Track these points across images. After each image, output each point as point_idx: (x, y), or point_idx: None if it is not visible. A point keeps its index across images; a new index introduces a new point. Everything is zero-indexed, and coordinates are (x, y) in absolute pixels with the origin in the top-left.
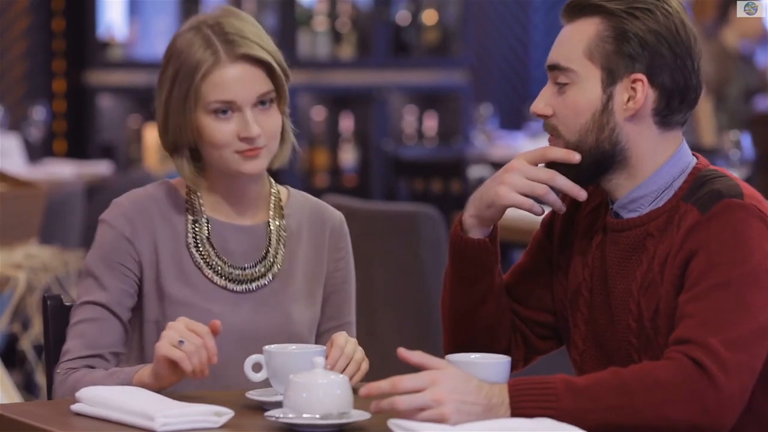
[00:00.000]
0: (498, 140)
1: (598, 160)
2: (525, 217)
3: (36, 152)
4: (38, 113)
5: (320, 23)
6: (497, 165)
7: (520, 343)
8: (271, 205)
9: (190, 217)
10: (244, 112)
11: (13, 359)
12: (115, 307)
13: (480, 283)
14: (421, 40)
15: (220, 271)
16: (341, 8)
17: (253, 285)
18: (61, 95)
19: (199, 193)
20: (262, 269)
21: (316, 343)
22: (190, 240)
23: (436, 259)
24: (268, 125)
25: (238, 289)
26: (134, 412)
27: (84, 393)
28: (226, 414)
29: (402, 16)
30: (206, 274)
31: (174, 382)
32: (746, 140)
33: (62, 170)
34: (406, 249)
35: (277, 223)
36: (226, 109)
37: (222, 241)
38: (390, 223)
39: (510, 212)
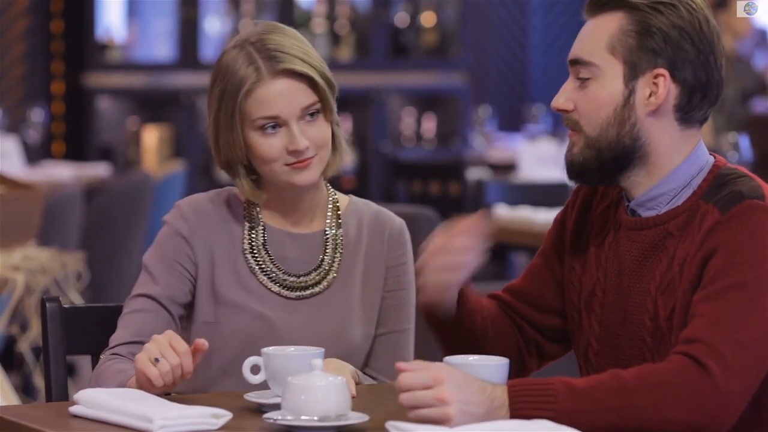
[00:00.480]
0: (496, 142)
1: (618, 156)
2: (524, 218)
3: (34, 154)
4: (37, 115)
5: (319, 25)
6: (495, 167)
7: (534, 352)
8: (329, 213)
9: (247, 224)
10: (291, 125)
11: (11, 361)
12: (165, 300)
13: (467, 338)
14: (420, 41)
15: (274, 278)
16: (340, 10)
17: (307, 292)
18: (60, 97)
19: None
20: (317, 277)
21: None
22: (246, 246)
23: None
24: (315, 136)
25: (292, 296)
26: (132, 414)
27: (82, 395)
28: (225, 416)
29: (400, 17)
30: (260, 279)
31: (154, 393)
32: (744, 142)
33: (61, 172)
34: None
35: (334, 231)
36: (273, 124)
37: (278, 248)
38: None
39: (508, 214)
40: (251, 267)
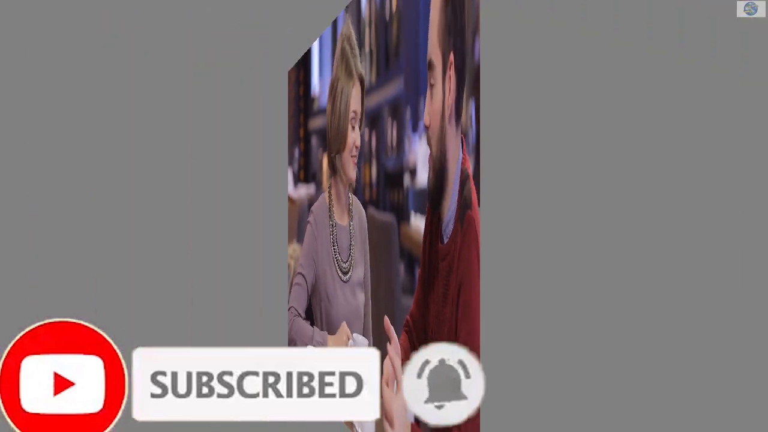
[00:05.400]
0: None
1: None
2: None
3: None
4: None
5: None
6: None
7: None
8: (349, 208)
9: (329, 222)
10: (357, 126)
11: None
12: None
13: None
14: None
15: (338, 266)
16: None
17: (348, 275)
18: None
19: (332, 202)
20: (352, 261)
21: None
22: (332, 240)
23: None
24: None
25: (344, 279)
26: None
27: None
28: None
29: None
30: (337, 267)
31: None
32: None
33: None
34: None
35: (353, 222)
36: (354, 119)
37: (339, 240)
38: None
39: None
40: (336, 258)
